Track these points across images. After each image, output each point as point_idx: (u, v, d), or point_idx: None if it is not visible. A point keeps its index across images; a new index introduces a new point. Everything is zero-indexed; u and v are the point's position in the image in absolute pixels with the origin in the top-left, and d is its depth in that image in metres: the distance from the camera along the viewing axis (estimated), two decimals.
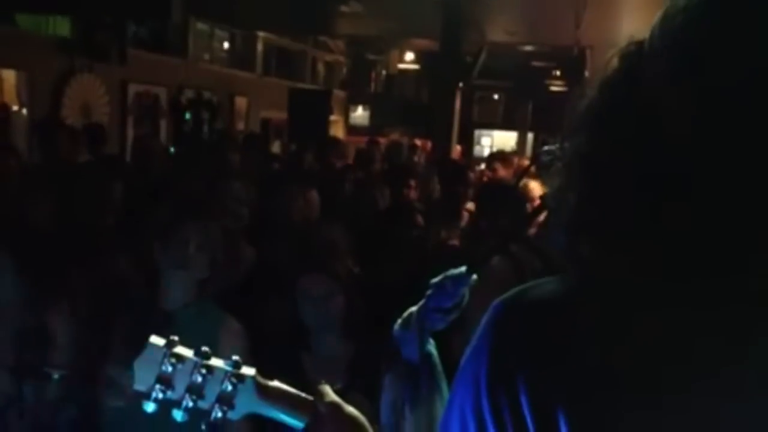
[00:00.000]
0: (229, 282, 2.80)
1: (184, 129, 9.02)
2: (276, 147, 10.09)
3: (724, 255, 0.66)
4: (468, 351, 0.76)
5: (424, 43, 11.32)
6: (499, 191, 3.10)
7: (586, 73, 10.01)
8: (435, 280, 1.54)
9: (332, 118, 10.49)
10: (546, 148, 1.32)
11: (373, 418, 1.19)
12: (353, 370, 2.31)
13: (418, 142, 10.05)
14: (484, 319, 0.76)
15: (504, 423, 0.70)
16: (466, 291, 1.51)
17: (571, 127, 0.77)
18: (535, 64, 11.92)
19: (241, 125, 10.65)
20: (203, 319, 2.25)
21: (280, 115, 10.25)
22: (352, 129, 14.01)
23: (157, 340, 1.09)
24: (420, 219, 3.67)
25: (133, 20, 7.85)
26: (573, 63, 9.99)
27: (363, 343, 2.36)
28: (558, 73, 13.01)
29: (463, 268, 1.50)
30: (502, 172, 5.65)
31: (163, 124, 8.75)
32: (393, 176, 5.31)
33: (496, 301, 0.76)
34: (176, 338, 1.10)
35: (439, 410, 1.57)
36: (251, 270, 3.16)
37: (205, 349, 1.09)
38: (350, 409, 1.13)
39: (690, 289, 0.67)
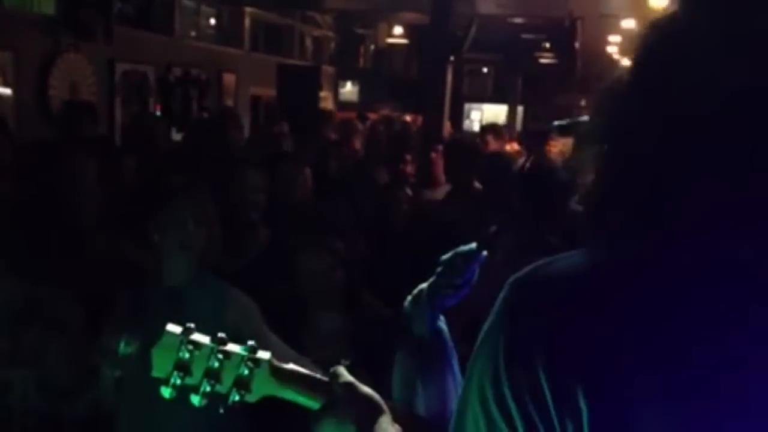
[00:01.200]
0: (243, 262, 2.82)
1: (174, 107, 8.93)
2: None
3: (759, 231, 0.65)
4: (485, 328, 0.76)
5: (413, 16, 11.22)
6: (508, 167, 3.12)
7: (576, 45, 9.97)
8: (445, 256, 1.54)
9: (321, 94, 10.42)
10: (557, 122, 1.31)
11: (380, 394, 1.20)
12: (353, 345, 2.34)
13: (408, 117, 10.02)
14: (500, 296, 0.75)
15: (525, 403, 0.70)
16: (476, 267, 1.52)
17: (600, 104, 0.76)
18: (525, 36, 11.84)
19: (230, 102, 10.56)
20: (206, 292, 2.29)
21: (269, 91, 10.16)
22: (341, 105, 13.92)
23: (173, 327, 1.12)
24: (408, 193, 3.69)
25: None
26: (563, 35, 9.94)
27: (363, 318, 2.38)
28: (548, 45, 12.94)
29: (473, 245, 1.50)
30: (494, 144, 5.64)
31: (152, 103, 8.66)
32: (390, 152, 5.31)
33: (513, 278, 0.75)
34: (192, 325, 1.13)
35: (451, 386, 1.58)
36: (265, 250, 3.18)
37: (221, 335, 1.12)
38: (365, 389, 1.14)
39: (719, 265, 0.66)
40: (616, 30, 10.30)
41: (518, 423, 0.70)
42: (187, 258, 2.28)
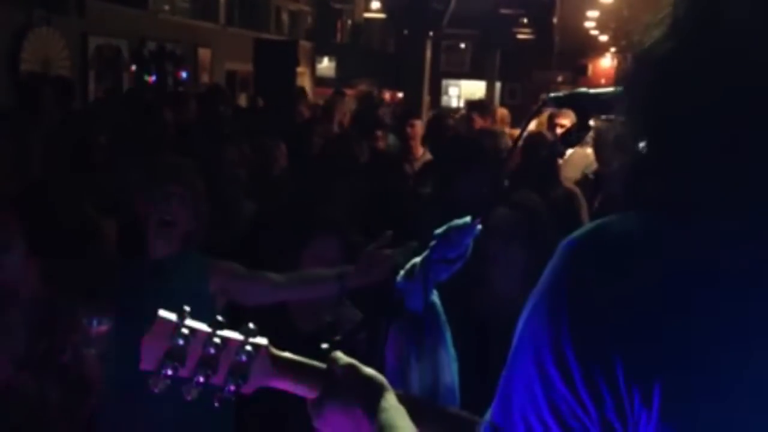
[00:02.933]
0: (228, 236, 2.80)
1: (147, 81, 8.78)
2: (242, 100, 9.91)
3: None
4: (539, 290, 0.73)
5: None
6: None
7: (555, 20, 9.96)
8: (439, 230, 1.53)
9: (298, 69, 10.31)
10: (553, 94, 1.30)
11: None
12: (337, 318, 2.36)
13: (387, 93, 9.97)
14: (557, 257, 0.73)
15: (589, 367, 0.67)
16: (470, 241, 1.51)
17: (635, 71, 0.75)
18: (503, 11, 11.80)
19: (205, 77, 10.41)
20: (189, 266, 2.29)
21: (245, 66, 10.03)
22: (318, 81, 13.80)
23: (166, 314, 1.04)
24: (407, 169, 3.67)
25: None
26: (541, 10, 9.91)
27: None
28: (525, 20, 12.91)
29: (467, 218, 1.49)
30: (480, 122, 5.62)
31: (126, 78, 8.50)
32: (362, 128, 5.28)
33: (569, 240, 0.73)
34: (188, 309, 1.05)
35: (444, 360, 1.58)
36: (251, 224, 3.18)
37: (219, 318, 1.06)
38: (367, 369, 1.11)
39: None
40: (594, 5, 10.30)
41: (579, 384, 0.68)
42: (171, 234, 2.27)
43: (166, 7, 9.90)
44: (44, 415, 2.27)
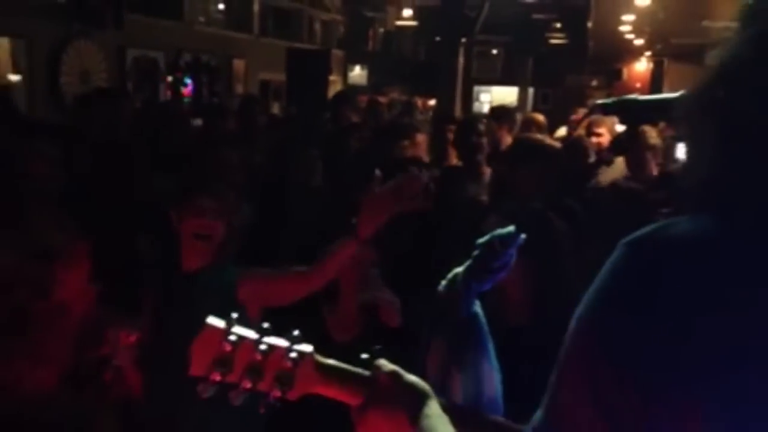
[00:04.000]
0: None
1: (184, 93, 8.92)
2: (275, 109, 10.00)
3: None
4: (591, 296, 0.73)
5: None
6: (532, 147, 3.08)
7: (589, 25, 9.87)
8: (482, 239, 1.52)
9: (331, 78, 10.37)
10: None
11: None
12: (369, 327, 2.35)
13: (418, 101, 9.96)
14: (615, 256, 0.72)
15: (641, 368, 0.67)
16: (514, 251, 1.49)
17: (703, 81, 0.73)
18: (536, 16, 11.73)
19: (239, 88, 10.53)
20: (222, 276, 2.28)
21: (278, 76, 10.12)
22: (350, 89, 13.87)
23: (215, 320, 1.06)
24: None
25: None
26: (575, 15, 9.83)
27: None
28: (559, 25, 12.82)
29: (511, 228, 1.48)
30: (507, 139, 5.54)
31: (163, 89, 8.64)
32: (384, 135, 5.26)
33: (629, 239, 0.72)
34: (235, 315, 1.07)
35: (487, 370, 1.56)
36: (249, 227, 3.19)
37: (265, 325, 1.07)
38: (411, 377, 1.11)
39: None
40: (630, 9, 10.19)
41: (630, 384, 0.67)
42: (206, 247, 2.27)
43: (202, 19, 10.05)
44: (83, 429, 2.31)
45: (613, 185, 3.89)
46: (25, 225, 2.37)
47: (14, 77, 6.92)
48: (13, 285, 2.29)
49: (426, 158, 5.02)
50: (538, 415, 0.78)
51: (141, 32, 8.06)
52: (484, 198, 3.49)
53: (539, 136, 4.84)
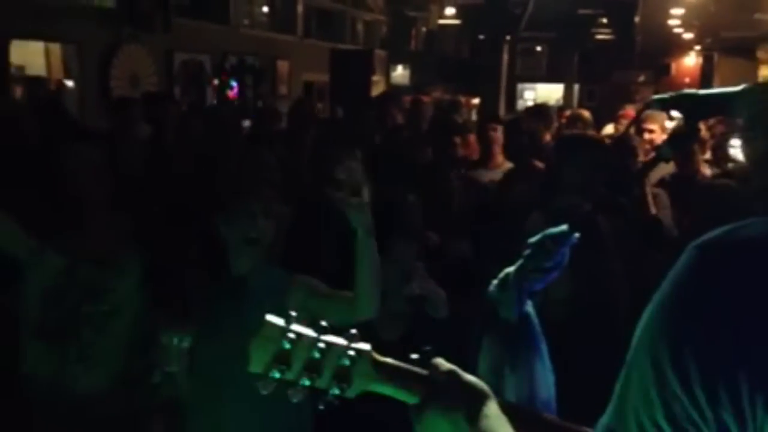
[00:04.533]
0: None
1: (229, 96, 9.04)
2: (319, 110, 10.06)
3: None
4: (660, 298, 0.72)
5: None
6: (576, 143, 3.04)
7: (636, 19, 9.69)
8: (533, 239, 1.50)
9: (374, 78, 10.38)
10: (657, 96, 1.24)
11: None
12: (414, 326, 2.34)
13: (462, 99, 9.89)
14: (681, 263, 0.71)
15: (709, 370, 0.66)
16: (567, 251, 1.47)
17: None
18: (582, 12, 11.56)
19: (283, 89, 10.63)
20: (271, 280, 2.28)
21: (321, 77, 10.18)
22: (393, 89, 13.87)
23: (274, 318, 1.07)
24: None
25: None
26: (622, 9, 9.66)
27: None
28: (605, 20, 12.61)
29: (564, 227, 1.45)
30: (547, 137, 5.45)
31: (209, 91, 8.77)
32: (441, 134, 5.22)
33: (700, 241, 0.71)
34: (294, 313, 1.07)
35: (540, 372, 1.54)
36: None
37: (323, 323, 1.07)
38: (469, 377, 1.10)
39: None
40: (679, 2, 9.97)
41: (696, 387, 0.66)
42: (255, 250, 2.27)
43: (246, 22, 10.18)
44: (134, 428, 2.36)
45: (662, 182, 3.82)
46: (80, 231, 2.43)
47: (67, 82, 7.11)
48: (67, 290, 2.35)
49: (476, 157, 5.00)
50: (604, 420, 0.77)
51: (188, 36, 8.20)
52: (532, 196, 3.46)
53: (583, 132, 4.77)
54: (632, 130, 5.02)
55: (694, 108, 1.16)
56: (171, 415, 2.41)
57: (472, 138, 4.81)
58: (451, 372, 1.08)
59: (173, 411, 2.38)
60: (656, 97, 1.23)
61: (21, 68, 6.53)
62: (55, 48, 6.94)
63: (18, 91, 6.40)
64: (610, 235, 2.10)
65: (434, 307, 2.34)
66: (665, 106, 1.27)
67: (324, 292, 2.24)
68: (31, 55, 6.69)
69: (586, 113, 5.83)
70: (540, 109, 6.02)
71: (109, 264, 2.41)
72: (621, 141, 3.65)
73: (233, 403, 2.15)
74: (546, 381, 1.53)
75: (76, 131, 3.92)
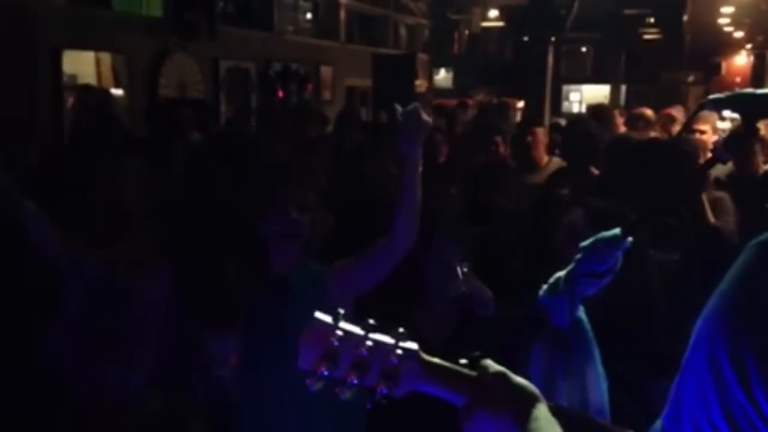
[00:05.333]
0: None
1: (274, 102, 9.13)
2: (362, 114, 10.09)
3: None
4: (717, 299, 0.71)
5: None
6: (626, 147, 2.98)
7: (685, 18, 9.49)
8: (585, 243, 1.47)
9: (416, 82, 10.37)
10: (713, 96, 1.20)
11: None
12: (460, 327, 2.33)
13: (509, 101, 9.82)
14: (739, 264, 0.70)
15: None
16: (620, 255, 1.44)
17: None
18: (628, 12, 11.36)
19: (327, 95, 10.70)
20: (310, 274, 2.29)
21: (364, 82, 10.21)
22: (436, 92, 13.84)
23: (322, 316, 1.06)
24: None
25: None
26: (670, 8, 9.46)
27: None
28: (652, 20, 12.37)
29: (617, 230, 1.42)
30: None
31: (254, 98, 8.87)
32: (479, 136, 5.18)
33: (758, 241, 0.69)
34: (342, 311, 1.07)
35: (593, 379, 1.51)
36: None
37: (371, 321, 1.06)
38: (519, 379, 1.08)
39: None
40: (729, 0, 9.73)
41: (755, 385, 0.65)
42: (292, 247, 2.28)
43: (290, 28, 10.28)
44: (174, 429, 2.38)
45: (717, 181, 3.71)
46: (117, 237, 2.47)
47: (116, 90, 7.27)
48: (104, 294, 2.40)
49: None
50: (659, 423, 0.76)
51: (233, 44, 8.31)
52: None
53: (635, 135, 4.68)
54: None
55: (751, 107, 1.13)
56: (210, 416, 2.43)
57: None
58: (500, 373, 1.06)
59: (212, 411, 2.40)
60: (712, 97, 1.20)
61: (73, 77, 6.69)
62: (105, 57, 7.10)
63: (70, 99, 6.56)
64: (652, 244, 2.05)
65: (482, 305, 2.32)
66: (721, 106, 1.23)
67: (353, 260, 2.29)
68: (82, 65, 6.86)
69: (649, 111, 5.73)
70: (599, 110, 5.96)
71: (142, 269, 2.45)
72: (677, 144, 3.56)
73: (282, 403, 2.16)
74: (599, 387, 1.50)
75: (125, 140, 4.01)
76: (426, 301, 2.35)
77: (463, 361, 1.23)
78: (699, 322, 0.73)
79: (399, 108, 2.11)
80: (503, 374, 1.07)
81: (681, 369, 0.74)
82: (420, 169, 2.09)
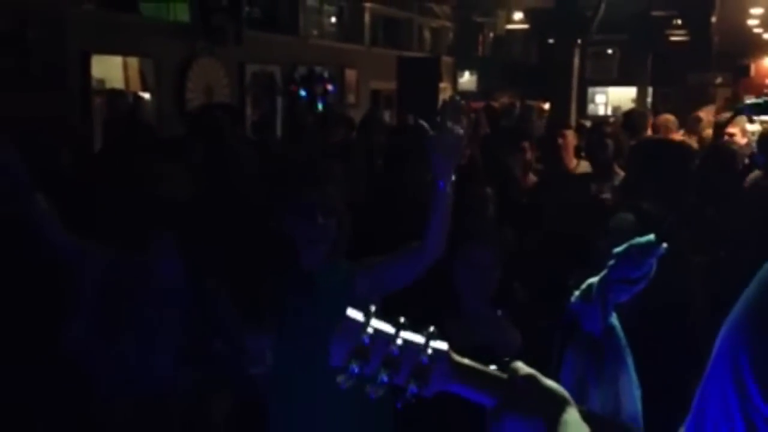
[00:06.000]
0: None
1: (299, 105, 9.17)
2: (386, 118, 10.10)
3: None
4: (741, 310, 0.70)
5: (534, 0, 10.93)
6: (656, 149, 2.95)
7: (713, 20, 9.37)
8: (619, 249, 1.45)
9: (441, 85, 10.35)
10: (749, 101, 1.18)
11: None
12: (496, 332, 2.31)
13: (531, 103, 9.76)
14: (763, 275, 0.68)
15: None
16: (654, 261, 1.42)
17: None
18: (655, 13, 11.24)
19: (351, 98, 10.72)
20: (338, 272, 2.32)
21: (389, 85, 10.22)
22: (460, 95, 13.81)
23: (354, 313, 1.06)
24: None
25: (247, 0, 8.01)
26: (698, 10, 9.34)
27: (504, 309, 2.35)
28: (679, 21, 12.23)
29: (651, 236, 1.40)
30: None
31: (279, 102, 8.92)
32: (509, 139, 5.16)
33: None
34: (373, 308, 1.06)
35: (626, 386, 1.49)
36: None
37: (401, 320, 1.06)
38: (549, 382, 1.07)
39: None
40: (758, 1, 9.58)
41: None
42: (319, 248, 2.32)
43: (315, 32, 10.32)
44: (204, 407, 2.40)
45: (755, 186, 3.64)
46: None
47: (144, 94, 7.36)
48: (119, 282, 2.44)
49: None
50: (683, 426, 0.76)
51: (259, 48, 8.36)
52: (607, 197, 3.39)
53: (663, 137, 4.63)
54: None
55: None
56: (234, 394, 2.44)
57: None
58: (530, 376, 1.05)
59: (236, 390, 2.42)
60: (749, 101, 1.17)
61: (101, 81, 6.78)
62: (133, 62, 7.19)
63: (99, 103, 6.65)
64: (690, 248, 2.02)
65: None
66: (757, 110, 1.21)
67: (384, 259, 2.31)
68: (110, 69, 6.95)
69: (668, 116, 5.69)
70: (633, 115, 5.93)
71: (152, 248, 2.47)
72: (716, 149, 3.51)
73: (310, 399, 2.19)
74: (632, 395, 1.48)
75: (155, 141, 4.05)
76: (457, 307, 2.35)
77: (493, 366, 1.22)
78: (723, 331, 0.72)
79: (425, 124, 2.10)
80: (533, 377, 1.06)
81: (705, 378, 0.73)
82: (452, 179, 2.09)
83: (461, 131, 2.03)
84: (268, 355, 2.27)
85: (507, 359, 1.43)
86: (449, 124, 2.02)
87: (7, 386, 2.45)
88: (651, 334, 2.00)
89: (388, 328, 1.04)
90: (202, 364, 2.42)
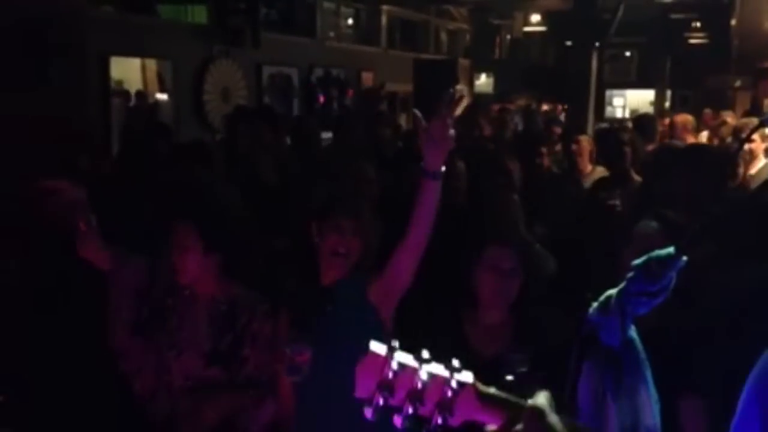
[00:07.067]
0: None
1: (316, 108, 9.18)
2: (403, 120, 10.09)
3: None
4: None
5: (551, 3, 10.88)
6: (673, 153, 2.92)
7: (733, 22, 9.28)
8: (638, 261, 1.43)
9: (458, 87, 10.31)
10: None
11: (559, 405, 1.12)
12: (515, 340, 2.29)
13: (545, 107, 9.71)
14: None
15: None
16: (674, 274, 1.39)
17: None
18: (674, 16, 11.15)
19: None
20: (355, 286, 2.33)
21: (405, 87, 10.20)
22: (477, 97, 13.76)
23: (377, 346, 1.08)
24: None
25: (264, 2, 8.03)
26: (717, 13, 9.25)
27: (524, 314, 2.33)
28: (698, 24, 12.12)
29: (671, 249, 1.38)
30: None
31: (296, 104, 8.94)
32: (524, 145, 5.15)
33: None
34: (396, 343, 1.09)
35: (644, 399, 1.47)
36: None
37: (425, 355, 1.08)
38: (552, 418, 1.06)
39: None
40: None
41: None
42: (343, 263, 2.34)
43: (332, 35, 10.33)
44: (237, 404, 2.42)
45: None
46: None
47: (162, 96, 7.40)
48: (151, 286, 2.49)
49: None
50: None
51: (276, 50, 8.38)
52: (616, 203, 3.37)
53: (681, 143, 4.59)
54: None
55: None
56: (264, 392, 2.45)
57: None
58: (534, 410, 1.05)
59: (265, 388, 2.43)
60: None
61: (120, 83, 6.82)
62: (151, 63, 7.23)
63: (117, 104, 6.70)
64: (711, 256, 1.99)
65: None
66: None
67: (387, 264, 2.30)
68: (128, 71, 6.99)
69: (686, 116, 5.63)
70: (643, 120, 5.87)
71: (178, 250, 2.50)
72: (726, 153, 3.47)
73: (327, 407, 2.20)
74: (651, 409, 1.46)
75: (178, 149, 4.07)
76: (477, 311, 2.33)
77: (509, 377, 1.21)
78: (751, 381, 0.70)
79: (419, 113, 2.10)
80: (538, 411, 1.05)
81: (734, 424, 0.72)
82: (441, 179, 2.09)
83: (451, 120, 2.02)
84: (307, 364, 2.26)
85: (523, 370, 1.42)
86: (443, 113, 2.03)
87: (58, 386, 2.50)
88: (669, 352, 1.98)
89: (412, 362, 1.06)
90: (228, 364, 2.43)
